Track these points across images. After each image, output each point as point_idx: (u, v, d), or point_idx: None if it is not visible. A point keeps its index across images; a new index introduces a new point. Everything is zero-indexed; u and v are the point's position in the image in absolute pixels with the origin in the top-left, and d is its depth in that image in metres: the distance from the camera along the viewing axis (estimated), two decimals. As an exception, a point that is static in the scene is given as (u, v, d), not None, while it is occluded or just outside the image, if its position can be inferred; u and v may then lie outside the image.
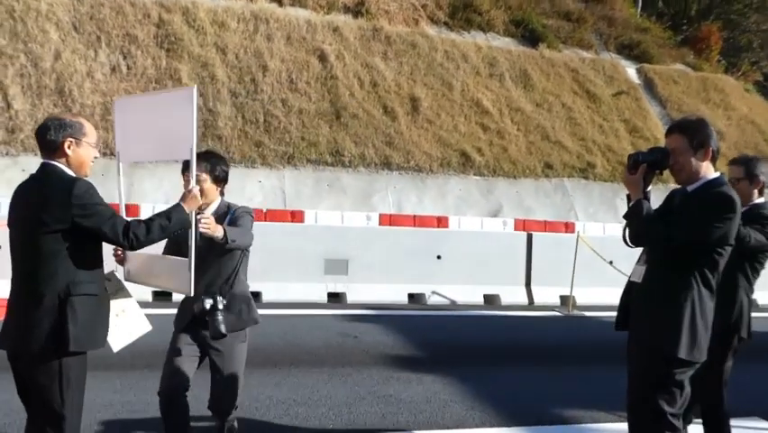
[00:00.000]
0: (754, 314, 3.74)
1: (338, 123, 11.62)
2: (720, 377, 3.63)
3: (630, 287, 3.21)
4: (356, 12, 13.96)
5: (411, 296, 8.20)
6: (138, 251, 2.99)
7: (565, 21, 16.56)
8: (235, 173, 11.16)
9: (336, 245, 7.85)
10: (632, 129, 13.77)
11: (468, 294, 8.18)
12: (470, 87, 13.02)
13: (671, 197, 3.10)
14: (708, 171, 2.90)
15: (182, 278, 3.01)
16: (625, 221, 3.01)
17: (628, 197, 2.98)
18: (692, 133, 2.89)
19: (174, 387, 3.31)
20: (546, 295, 8.48)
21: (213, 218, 3.13)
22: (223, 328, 3.25)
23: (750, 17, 23.69)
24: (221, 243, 3.12)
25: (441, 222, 8.38)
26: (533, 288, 8.56)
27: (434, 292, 8.15)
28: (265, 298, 7.65)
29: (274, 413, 4.40)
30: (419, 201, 11.00)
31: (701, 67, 17.32)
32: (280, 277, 7.59)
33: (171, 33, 11.70)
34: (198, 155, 3.29)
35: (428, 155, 11.64)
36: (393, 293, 8.03)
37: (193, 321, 3.36)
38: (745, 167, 3.79)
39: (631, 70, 15.74)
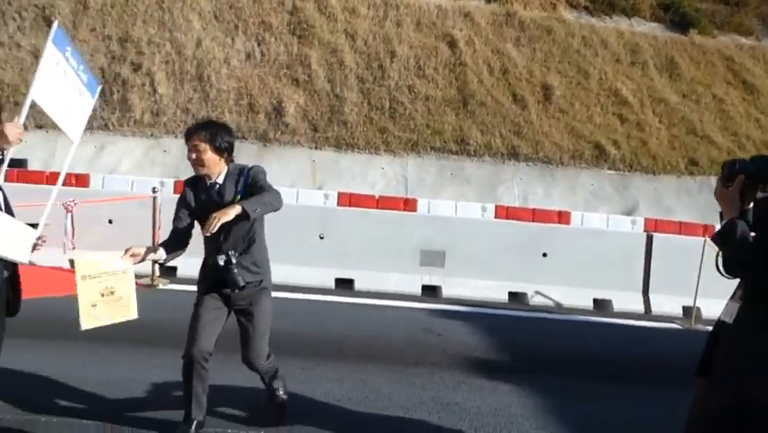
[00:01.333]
0: None
1: (465, 110, 11.30)
2: None
3: (719, 330, 2.54)
4: (490, -3, 13.52)
5: (512, 294, 7.63)
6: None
7: (722, 4, 15.07)
8: (359, 159, 11.30)
9: (435, 236, 7.42)
10: (796, 124, 12.30)
11: (576, 297, 7.47)
12: (609, 75, 12.18)
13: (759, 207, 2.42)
14: None
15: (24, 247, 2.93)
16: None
17: (721, 214, 2.39)
18: None
19: (198, 351, 3.35)
20: (666, 304, 7.53)
21: (218, 217, 3.05)
22: (240, 280, 3.34)
23: None
24: (244, 217, 3.13)
25: (562, 217, 7.77)
26: (651, 295, 7.64)
27: (537, 292, 7.56)
28: (358, 285, 7.42)
29: (322, 412, 4.01)
30: (546, 194, 10.46)
31: None
32: (375, 266, 7.34)
33: (303, 20, 11.90)
34: (198, 124, 3.44)
35: (558, 146, 11.03)
36: (492, 290, 7.51)
37: (214, 283, 3.43)
38: None
39: (798, 58, 14.05)
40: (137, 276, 6.48)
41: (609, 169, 11.01)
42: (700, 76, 12.76)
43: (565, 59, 12.33)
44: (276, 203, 3.28)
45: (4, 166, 2.82)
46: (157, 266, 7.12)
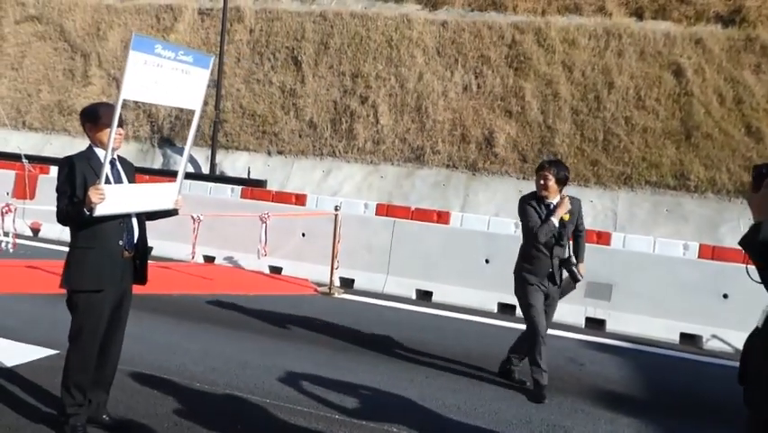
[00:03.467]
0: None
1: (687, 143, 10.63)
2: None
3: (754, 334, 2.41)
4: (729, 21, 12.51)
5: (685, 336, 7.06)
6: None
7: None
8: (567, 191, 11.15)
9: (601, 268, 7.16)
10: None
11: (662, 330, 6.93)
12: None
13: None
14: None
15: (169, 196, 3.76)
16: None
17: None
18: None
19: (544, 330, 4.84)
20: None
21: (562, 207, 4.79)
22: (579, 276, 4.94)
23: None
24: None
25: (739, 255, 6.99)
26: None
27: (713, 336, 6.89)
28: (519, 312, 7.36)
29: (429, 420, 4.29)
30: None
31: None
32: None
33: (521, 53, 12.16)
34: (548, 162, 5.00)
35: (799, 184, 9.82)
36: (662, 329, 7.05)
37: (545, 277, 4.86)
38: None
39: None
40: (318, 284, 7.50)
41: None
42: None
43: (816, 86, 10.96)
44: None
45: (105, 167, 3.32)
46: (336, 277, 7.93)
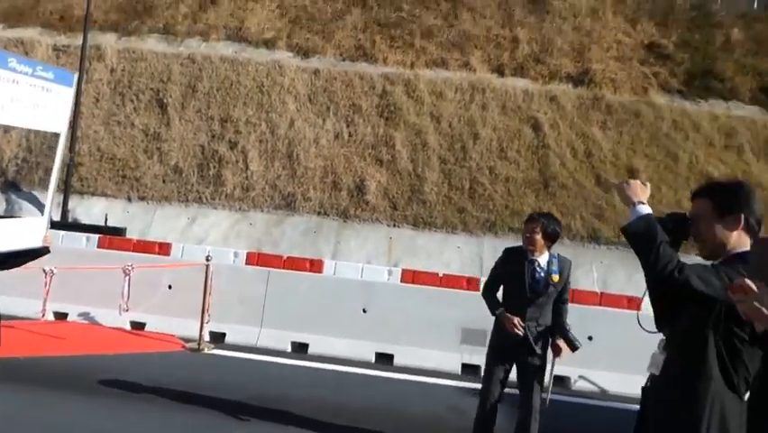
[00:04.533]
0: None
1: (545, 192, 11.26)
2: None
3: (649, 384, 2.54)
4: (578, 81, 13.57)
5: (556, 378, 7.34)
6: None
7: (832, 87, 14.33)
8: (436, 238, 11.43)
9: (476, 314, 7.29)
10: None
11: (624, 384, 6.89)
12: (700, 158, 11.78)
13: None
14: (740, 244, 2.32)
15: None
16: None
17: None
18: (719, 197, 2.38)
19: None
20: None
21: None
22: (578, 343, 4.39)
23: None
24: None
25: (631, 303, 7.44)
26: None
27: (580, 377, 7.21)
28: (397, 361, 7.42)
29: None
30: (628, 279, 10.07)
31: None
32: (415, 342, 7.38)
33: (392, 103, 12.45)
34: (539, 214, 4.53)
35: (643, 231, 10.67)
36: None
37: (511, 347, 4.37)
38: None
39: None
40: (185, 339, 6.99)
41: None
42: (804, 161, 12.06)
43: (653, 142, 12.08)
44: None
45: None
46: (206, 331, 7.52)
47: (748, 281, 1.85)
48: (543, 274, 4.32)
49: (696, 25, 15.22)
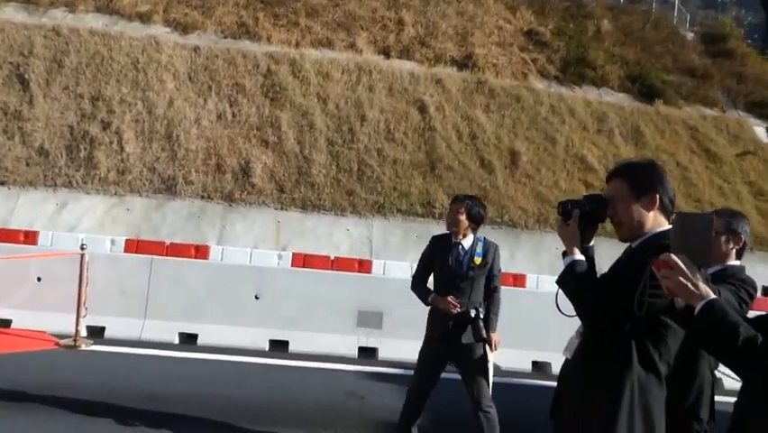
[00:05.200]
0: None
1: (432, 174, 11.41)
2: None
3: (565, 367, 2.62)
4: (462, 65, 13.85)
5: None
6: None
7: (689, 77, 15.58)
8: (324, 221, 11.29)
9: (371, 297, 7.19)
10: (757, 192, 12.49)
11: (515, 360, 7.17)
12: (576, 142, 12.40)
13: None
14: (657, 224, 2.35)
15: None
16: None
17: (564, 253, 2.47)
18: (635, 177, 2.38)
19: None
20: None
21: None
22: (483, 333, 4.17)
23: None
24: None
25: (517, 280, 7.73)
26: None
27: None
28: (292, 347, 7.20)
29: None
30: (511, 257, 10.44)
31: None
32: (310, 327, 7.20)
33: (277, 83, 12.11)
34: (465, 196, 4.39)
35: (524, 210, 11.11)
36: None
37: (445, 332, 4.21)
38: (726, 221, 3.16)
39: (760, 129, 14.41)
40: (59, 336, 6.39)
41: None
42: (665, 144, 13.02)
43: (533, 126, 12.57)
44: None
45: None
46: (83, 326, 6.98)
47: (674, 257, 1.86)
48: (465, 257, 4.23)
49: (570, 15, 16.03)
